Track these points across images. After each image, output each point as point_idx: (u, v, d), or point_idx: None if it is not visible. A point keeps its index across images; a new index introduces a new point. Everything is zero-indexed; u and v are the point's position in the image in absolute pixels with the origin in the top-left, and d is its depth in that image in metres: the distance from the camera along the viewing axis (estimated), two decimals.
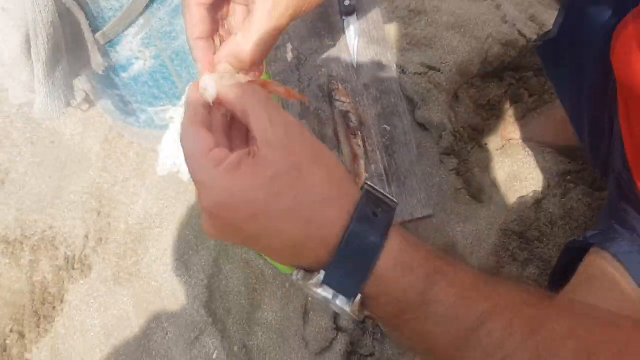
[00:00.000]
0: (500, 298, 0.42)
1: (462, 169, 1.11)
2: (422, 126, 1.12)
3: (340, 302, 0.41)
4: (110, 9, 0.87)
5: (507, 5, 1.23)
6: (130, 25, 0.89)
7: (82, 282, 1.25)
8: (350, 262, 0.41)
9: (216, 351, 1.11)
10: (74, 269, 1.26)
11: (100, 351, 1.17)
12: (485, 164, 1.12)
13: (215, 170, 0.40)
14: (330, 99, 0.90)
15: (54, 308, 1.23)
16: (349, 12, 0.93)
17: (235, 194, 0.40)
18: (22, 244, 1.30)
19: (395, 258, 0.41)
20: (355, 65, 0.93)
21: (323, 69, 0.93)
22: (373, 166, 0.88)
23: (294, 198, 0.40)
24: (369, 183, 0.45)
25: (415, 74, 1.16)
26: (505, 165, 1.11)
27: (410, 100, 1.14)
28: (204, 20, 0.48)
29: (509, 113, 1.15)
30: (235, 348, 1.08)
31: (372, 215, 0.41)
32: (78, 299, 1.23)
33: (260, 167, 0.40)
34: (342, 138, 0.88)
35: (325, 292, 0.42)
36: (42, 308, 1.24)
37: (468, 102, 1.18)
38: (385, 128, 0.89)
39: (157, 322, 1.16)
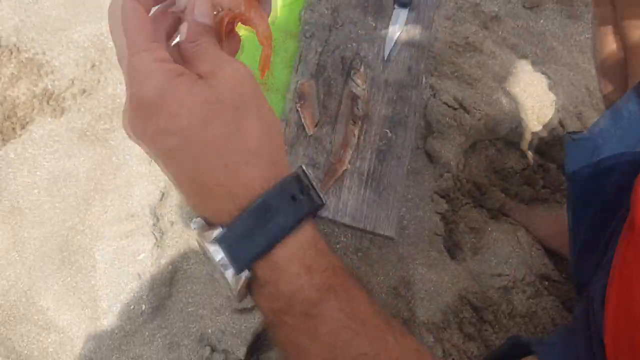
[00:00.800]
0: (385, 349, 0.39)
1: (449, 217, 1.04)
2: (429, 155, 1.05)
3: (227, 273, 0.39)
4: None
5: (560, 91, 1.16)
6: None
7: (49, 120, 1.22)
8: (250, 231, 0.38)
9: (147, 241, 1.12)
10: (48, 103, 1.23)
11: (37, 192, 1.18)
12: (473, 225, 1.04)
13: (155, 64, 0.38)
14: (347, 75, 0.82)
15: (13, 129, 1.21)
16: (403, 3, 0.86)
17: (167, 98, 0.37)
18: (10, 53, 1.27)
19: (296, 252, 0.39)
20: (385, 57, 0.84)
21: (353, 44, 0.85)
22: (359, 162, 0.80)
23: (220, 134, 0.38)
24: (304, 167, 0.42)
25: (444, 103, 1.08)
26: (491, 237, 1.04)
27: (427, 125, 1.05)
28: None
29: (517, 191, 1.07)
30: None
31: (291, 197, 0.39)
32: (39, 134, 1.21)
33: (199, 88, 0.38)
34: (342, 119, 0.80)
35: (216, 254, 0.39)
36: (3, 124, 1.22)
37: (483, 158, 1.10)
38: (387, 133, 0.81)
39: (101, 194, 1.15)
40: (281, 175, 0.39)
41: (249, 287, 0.41)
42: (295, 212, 0.39)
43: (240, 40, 0.49)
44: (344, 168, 0.77)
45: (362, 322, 0.39)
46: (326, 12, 0.87)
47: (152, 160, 1.12)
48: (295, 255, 0.38)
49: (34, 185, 1.16)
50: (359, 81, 0.81)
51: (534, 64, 1.22)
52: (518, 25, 1.26)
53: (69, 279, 1.09)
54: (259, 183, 0.38)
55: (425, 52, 0.87)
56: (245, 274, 0.39)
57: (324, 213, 0.79)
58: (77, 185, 1.16)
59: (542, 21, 1.28)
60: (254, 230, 0.38)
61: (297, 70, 0.83)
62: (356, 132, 0.78)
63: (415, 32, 0.86)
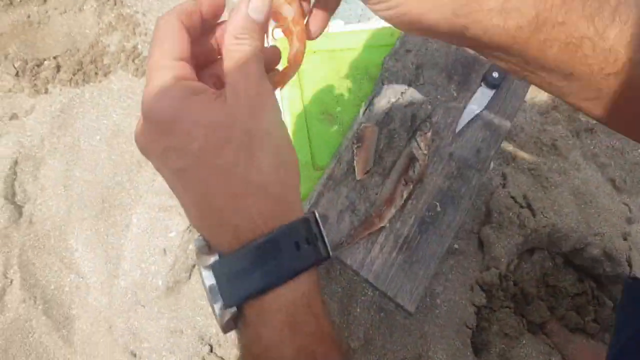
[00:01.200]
0: None
1: (485, 313, 0.99)
2: (481, 243, 1.00)
3: (216, 303, 0.37)
4: None
5: (638, 229, 1.09)
6: None
7: (130, 77, 1.23)
8: (246, 270, 0.36)
9: None
10: (133, 62, 1.26)
11: (98, 139, 1.22)
12: (507, 332, 0.99)
13: (173, 81, 0.37)
14: (412, 134, 0.80)
15: (96, 74, 1.24)
16: (490, 84, 0.81)
17: (181, 117, 0.36)
18: (114, 3, 1.30)
19: (285, 305, 0.36)
20: (455, 131, 0.81)
21: (428, 106, 0.82)
22: (399, 224, 0.77)
23: (231, 162, 0.36)
24: (316, 214, 0.40)
25: (512, 197, 1.04)
26: (523, 350, 0.99)
27: (488, 212, 1.00)
28: None
29: (564, 314, 1.01)
30: None
31: (295, 244, 0.37)
32: (117, 86, 1.23)
33: (216, 109, 0.36)
34: (394, 176, 0.77)
35: (208, 279, 0.37)
36: (88, 66, 1.27)
37: (537, 268, 1.04)
38: (436, 206, 0.78)
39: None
40: (289, 217, 0.37)
41: (236, 322, 0.38)
42: (295, 261, 0.36)
43: (279, 53, 0.47)
44: (382, 225, 0.75)
45: None
46: (410, 66, 0.84)
47: None
48: (284, 307, 0.36)
49: (98, 131, 1.20)
50: (422, 144, 0.79)
51: (618, 190, 1.14)
52: (613, 146, 1.19)
53: (102, 229, 1.13)
54: (264, 220, 0.36)
55: (500, 140, 0.82)
56: (231, 310, 0.37)
57: (349, 261, 0.76)
58: (134, 145, 1.21)
59: (639, 151, 1.21)
60: (250, 270, 0.36)
61: (364, 112, 0.81)
62: (405, 194, 0.76)
63: (495, 116, 0.83)
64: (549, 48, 0.41)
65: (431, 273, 0.75)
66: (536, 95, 1.24)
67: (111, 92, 1.22)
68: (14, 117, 1.19)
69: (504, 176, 1.12)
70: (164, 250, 1.09)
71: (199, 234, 0.39)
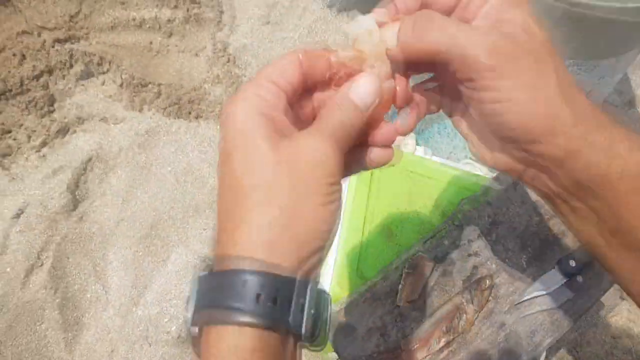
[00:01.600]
0: None
1: None
2: None
3: (188, 317, 0.35)
4: None
5: None
6: None
7: (217, 127, 1.33)
8: (220, 291, 0.34)
9: None
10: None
11: (169, 170, 1.26)
12: None
13: (247, 111, 0.36)
14: (467, 287, 0.76)
15: (189, 113, 1.31)
16: (564, 271, 0.76)
17: (231, 123, 0.36)
18: (227, 61, 1.40)
19: (234, 348, 0.33)
20: (515, 302, 0.76)
21: (493, 266, 0.78)
22: None
23: (264, 200, 0.34)
24: (326, 290, 0.37)
25: None
26: None
27: None
28: None
29: None
30: None
31: (272, 300, 0.33)
32: (203, 131, 1.30)
33: (270, 132, 0.36)
34: (436, 318, 0.74)
35: (193, 288, 0.36)
36: (186, 104, 1.34)
37: None
38: None
39: (211, 212, 1.20)
40: (290, 272, 0.34)
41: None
42: (250, 309, 0.33)
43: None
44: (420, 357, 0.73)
45: None
46: (486, 218, 0.82)
47: None
48: (222, 353, 0.33)
49: (172, 163, 1.25)
50: (475, 299, 0.76)
51: None
52: None
53: (141, 253, 1.15)
54: (261, 256, 0.34)
55: (559, 333, 0.76)
56: (194, 329, 0.35)
57: None
58: (200, 191, 1.23)
59: None
60: (223, 294, 0.34)
61: (425, 242, 0.79)
62: (442, 342, 0.73)
63: (561, 307, 0.77)
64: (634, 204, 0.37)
65: None
66: (614, 315, 1.19)
67: (196, 134, 1.28)
68: (104, 119, 1.25)
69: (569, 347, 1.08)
70: (189, 298, 1.09)
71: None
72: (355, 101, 0.38)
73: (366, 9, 0.42)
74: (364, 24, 0.39)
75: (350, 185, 0.84)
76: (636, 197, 0.37)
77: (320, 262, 0.37)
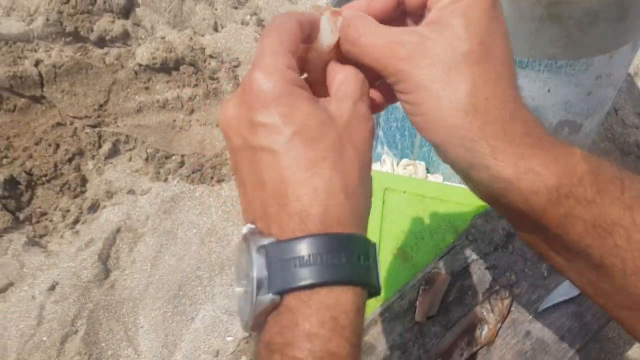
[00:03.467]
0: None
1: None
2: None
3: (260, 291, 0.34)
4: None
5: None
6: None
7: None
8: (304, 260, 0.33)
9: None
10: None
11: (194, 232, 1.31)
12: None
13: (285, 66, 0.36)
14: (487, 296, 0.75)
15: (211, 178, 1.39)
16: None
17: (285, 96, 0.35)
18: None
19: (336, 306, 0.34)
20: (539, 311, 0.75)
21: (512, 276, 0.77)
22: None
23: (321, 156, 0.35)
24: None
25: None
26: None
27: None
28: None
29: None
30: None
31: (357, 256, 0.34)
32: (226, 193, 1.37)
33: (319, 106, 0.36)
34: (457, 330, 0.73)
35: (258, 258, 0.34)
36: (209, 169, 1.41)
37: None
38: None
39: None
40: (358, 230, 0.36)
41: (266, 317, 0.35)
42: (356, 270, 0.34)
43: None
44: None
45: None
46: (501, 231, 0.81)
47: None
48: (335, 308, 0.33)
49: (196, 225, 1.29)
50: (496, 309, 0.74)
51: None
52: None
53: (169, 314, 1.17)
54: (337, 220, 0.34)
55: (589, 336, 0.74)
56: (274, 298, 0.34)
57: None
58: (225, 249, 1.27)
59: None
60: (309, 261, 0.33)
61: (440, 258, 0.79)
62: (465, 354, 0.71)
63: (588, 309, 0.75)
64: (572, 225, 0.36)
65: None
66: None
67: (219, 196, 1.33)
68: (131, 192, 1.32)
69: None
70: (217, 351, 1.10)
71: (249, 222, 0.37)
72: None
73: None
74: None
75: None
76: (556, 208, 0.36)
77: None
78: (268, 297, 0.34)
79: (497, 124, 0.37)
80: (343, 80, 0.40)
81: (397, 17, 0.44)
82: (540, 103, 0.87)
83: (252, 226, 0.36)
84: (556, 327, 0.74)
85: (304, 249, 0.34)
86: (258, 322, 0.35)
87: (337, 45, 0.42)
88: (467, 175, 0.39)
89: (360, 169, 0.37)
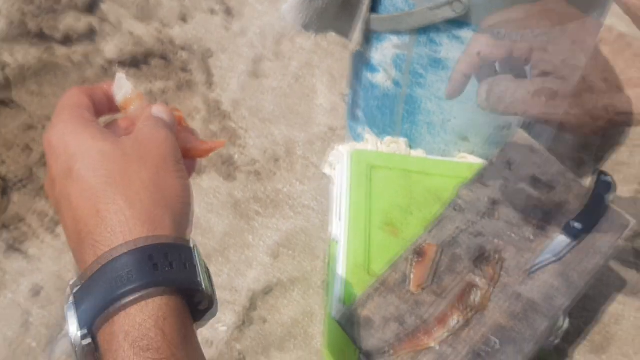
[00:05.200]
0: None
1: None
2: None
3: (72, 332, 0.34)
4: (393, 5, 0.85)
5: None
6: (395, 32, 0.87)
7: (220, 179, 1.38)
8: (99, 289, 0.33)
9: None
10: (226, 166, 1.40)
11: None
12: None
13: (69, 113, 0.40)
14: (475, 263, 0.77)
15: None
16: (572, 234, 0.77)
17: (67, 142, 0.38)
18: (223, 117, 1.48)
19: (133, 328, 0.32)
20: (528, 273, 0.77)
21: (500, 242, 0.79)
22: (449, 350, 0.71)
23: (102, 181, 0.36)
24: (195, 244, 0.38)
25: None
26: None
27: None
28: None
29: None
30: None
31: (153, 265, 0.34)
32: (206, 184, 1.38)
33: (102, 136, 0.38)
34: (450, 297, 0.75)
35: (69, 310, 0.35)
36: None
37: None
38: (494, 342, 0.71)
39: (223, 259, 1.24)
40: (158, 238, 0.35)
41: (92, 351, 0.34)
42: (148, 279, 0.33)
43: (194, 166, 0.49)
44: (430, 344, 0.71)
45: None
46: (486, 200, 0.84)
47: (276, 258, 1.21)
48: (133, 330, 0.32)
49: None
50: (487, 275, 0.77)
51: None
52: None
53: None
54: (124, 238, 0.34)
55: (578, 293, 0.77)
56: (86, 340, 0.34)
57: None
58: (209, 239, 1.27)
59: None
60: (103, 288, 0.33)
61: (430, 231, 0.81)
62: (460, 319, 0.74)
63: (575, 268, 0.78)
64: None
65: None
66: (637, 293, 1.18)
67: (200, 188, 1.33)
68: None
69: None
70: (211, 342, 1.10)
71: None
72: (159, 116, 0.44)
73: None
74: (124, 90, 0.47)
75: (349, 189, 0.87)
76: None
77: (189, 231, 0.40)
78: (81, 345, 0.34)
79: None
80: (147, 114, 0.43)
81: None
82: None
83: (72, 280, 0.36)
84: (545, 288, 0.77)
85: (96, 280, 0.34)
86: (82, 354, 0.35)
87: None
88: None
89: (150, 177, 0.37)
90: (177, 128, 0.47)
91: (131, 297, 0.33)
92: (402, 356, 0.73)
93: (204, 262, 0.39)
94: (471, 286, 0.77)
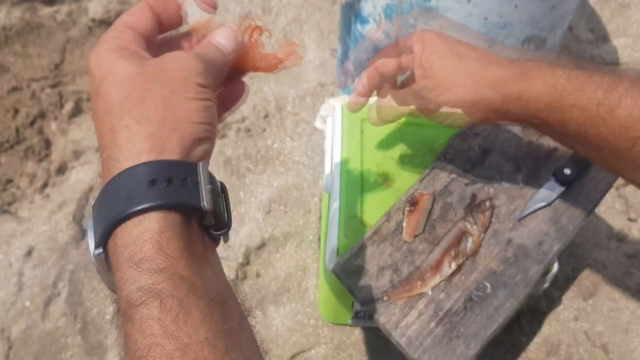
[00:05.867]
0: None
1: None
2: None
3: (91, 249, 0.36)
4: None
5: None
6: None
7: None
8: (107, 206, 0.35)
9: None
10: None
11: None
12: None
13: (113, 40, 0.41)
14: (467, 211, 0.79)
15: None
16: (561, 180, 0.79)
17: (101, 68, 0.39)
18: None
19: (130, 241, 0.34)
20: (517, 219, 0.79)
21: (491, 190, 0.81)
22: (443, 295, 0.73)
23: (124, 92, 0.37)
24: (202, 164, 0.38)
25: (584, 332, 1.00)
26: None
27: (556, 344, 0.97)
28: None
29: None
30: None
31: (149, 181, 0.34)
32: None
33: (126, 62, 0.39)
34: (443, 244, 0.76)
35: (90, 220, 0.36)
36: None
37: None
38: (487, 286, 0.74)
39: None
40: (160, 155, 0.36)
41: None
42: (145, 197, 0.34)
43: (244, 87, 0.49)
44: (424, 291, 0.72)
45: (183, 348, 0.31)
46: (477, 148, 0.85)
47: (268, 213, 1.21)
48: (130, 244, 0.33)
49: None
50: (479, 221, 0.78)
51: None
52: None
53: None
54: (130, 154, 0.35)
55: (567, 238, 0.79)
56: (97, 250, 0.35)
57: (383, 320, 0.72)
58: None
59: None
60: (110, 204, 0.35)
61: (422, 180, 0.82)
62: (453, 265, 0.75)
63: (564, 213, 0.80)
64: (569, 124, 0.53)
65: (471, 354, 0.72)
66: (625, 236, 1.21)
67: None
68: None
69: (578, 310, 1.09)
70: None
71: None
72: (217, 45, 0.45)
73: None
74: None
75: (341, 142, 0.87)
76: (553, 116, 0.55)
77: (207, 153, 0.40)
78: (95, 253, 0.36)
79: (510, 65, 0.58)
80: (206, 40, 0.45)
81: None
82: (509, 19, 0.89)
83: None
84: (535, 233, 0.78)
85: (103, 196, 0.36)
86: (107, 281, 0.37)
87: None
88: (501, 110, 0.58)
89: (164, 96, 0.38)
90: (249, 43, 0.47)
91: (128, 212, 0.34)
92: (396, 302, 0.74)
93: (219, 183, 0.40)
94: (463, 233, 0.77)
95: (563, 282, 1.11)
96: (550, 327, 1.05)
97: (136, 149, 0.35)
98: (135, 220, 0.34)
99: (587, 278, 1.10)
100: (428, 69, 0.60)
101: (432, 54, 0.60)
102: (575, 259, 1.14)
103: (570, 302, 1.08)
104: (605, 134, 0.50)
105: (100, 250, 0.35)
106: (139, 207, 0.34)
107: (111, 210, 0.34)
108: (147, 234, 0.33)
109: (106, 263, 0.36)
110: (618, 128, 0.49)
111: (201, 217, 0.37)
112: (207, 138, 0.39)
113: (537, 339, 1.03)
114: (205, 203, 0.36)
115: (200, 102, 0.39)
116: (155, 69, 0.39)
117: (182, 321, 0.31)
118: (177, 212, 0.35)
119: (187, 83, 0.39)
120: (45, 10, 1.54)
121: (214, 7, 0.46)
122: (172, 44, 0.47)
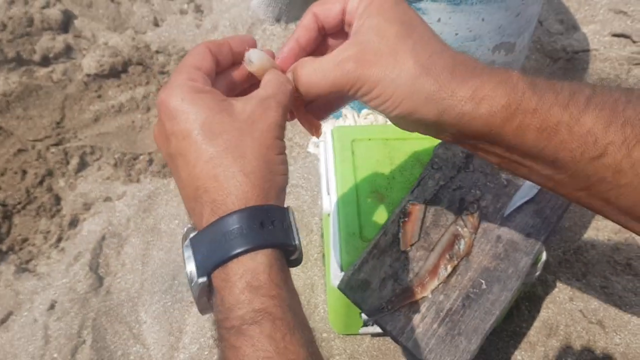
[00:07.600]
0: None
1: None
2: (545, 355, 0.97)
3: (192, 277, 0.42)
4: None
5: None
6: None
7: None
8: (216, 242, 0.41)
9: None
10: None
11: (176, 223, 1.38)
12: None
13: (184, 80, 0.44)
14: (457, 214, 0.84)
15: None
16: None
17: (185, 106, 0.43)
18: None
19: (247, 272, 0.40)
20: (504, 215, 0.84)
21: (477, 192, 0.87)
22: (442, 297, 0.78)
23: (221, 149, 0.42)
24: (290, 209, 0.45)
25: (580, 311, 1.03)
26: None
27: (554, 326, 1.01)
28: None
29: None
30: None
31: (260, 223, 0.41)
32: None
33: (217, 107, 0.43)
34: (438, 249, 0.82)
35: (187, 251, 0.43)
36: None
37: None
38: (482, 283, 0.79)
39: None
40: (261, 202, 0.43)
41: (209, 298, 0.43)
42: (258, 236, 0.41)
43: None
44: (424, 295, 0.77)
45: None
46: (461, 154, 0.90)
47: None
48: (246, 273, 0.40)
49: (177, 216, 1.35)
50: (469, 223, 0.83)
51: None
52: None
53: (169, 304, 1.23)
54: (238, 200, 0.42)
55: (551, 227, 0.84)
56: (202, 279, 0.42)
57: (389, 327, 0.77)
58: None
59: None
60: (219, 241, 0.41)
61: (412, 191, 0.87)
62: (449, 268, 0.80)
63: (546, 205, 0.85)
64: (525, 134, 0.44)
65: (473, 349, 0.77)
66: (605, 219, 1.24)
67: None
68: (107, 199, 1.38)
69: (572, 291, 1.13)
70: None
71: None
72: (273, 92, 0.49)
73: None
74: (260, 55, 0.52)
75: (335, 164, 0.93)
76: (509, 122, 0.45)
77: (284, 198, 0.48)
78: (197, 282, 0.42)
79: (446, 71, 0.45)
80: (264, 83, 0.49)
81: (321, 42, 0.54)
82: (478, 32, 0.95)
83: (189, 225, 0.45)
84: (522, 227, 0.84)
85: (213, 233, 0.42)
86: (203, 305, 0.44)
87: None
88: (437, 124, 0.47)
89: (261, 153, 0.44)
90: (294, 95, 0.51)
91: (242, 249, 0.41)
92: (400, 309, 0.79)
93: (296, 223, 0.47)
94: (456, 236, 0.83)
95: (556, 266, 1.16)
96: (547, 311, 1.10)
97: (245, 196, 0.42)
98: (250, 255, 0.41)
99: (578, 260, 1.16)
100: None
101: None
102: (565, 242, 1.18)
103: (564, 284, 1.13)
104: (564, 148, 0.44)
105: (205, 278, 0.42)
106: (256, 244, 0.41)
107: (224, 244, 0.41)
108: (261, 266, 0.41)
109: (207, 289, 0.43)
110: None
111: (291, 251, 0.45)
112: (285, 187, 0.47)
113: (537, 323, 1.08)
114: (297, 242, 0.45)
115: (283, 157, 0.46)
116: (246, 123, 0.44)
117: (289, 342, 0.39)
118: (280, 249, 0.43)
119: (274, 139, 0.46)
120: (42, 71, 1.62)
121: (272, 57, 0.53)
122: (228, 80, 0.52)
